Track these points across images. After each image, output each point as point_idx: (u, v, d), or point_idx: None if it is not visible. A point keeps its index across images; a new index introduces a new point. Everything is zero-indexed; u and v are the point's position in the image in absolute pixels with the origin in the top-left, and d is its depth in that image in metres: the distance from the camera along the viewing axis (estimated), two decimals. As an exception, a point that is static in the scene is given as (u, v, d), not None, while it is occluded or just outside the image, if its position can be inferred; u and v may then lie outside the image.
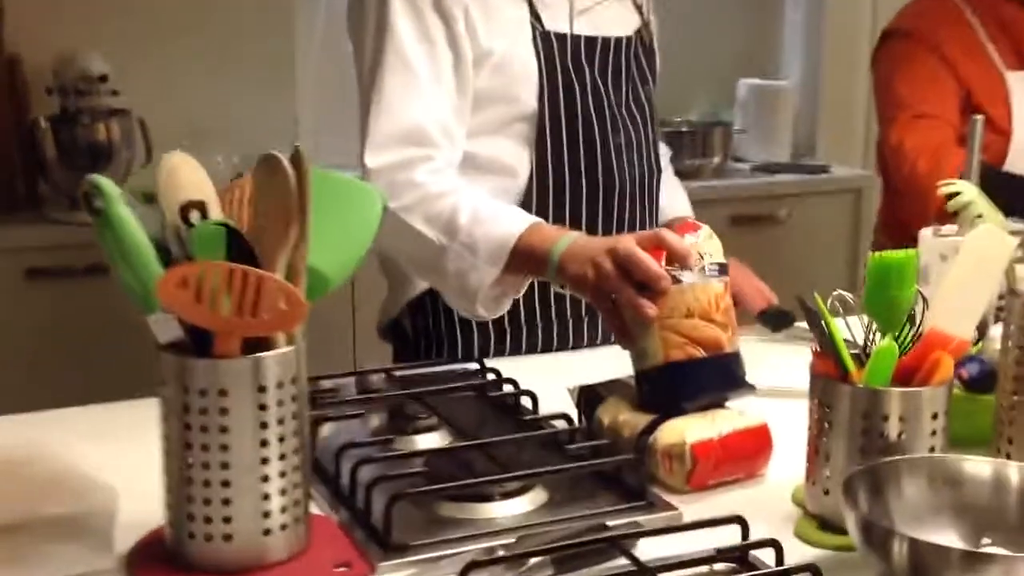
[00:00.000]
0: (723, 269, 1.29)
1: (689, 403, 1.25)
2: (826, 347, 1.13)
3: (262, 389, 0.99)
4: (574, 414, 1.34)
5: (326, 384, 1.43)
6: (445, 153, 1.56)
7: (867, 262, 1.13)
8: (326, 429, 1.32)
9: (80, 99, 2.71)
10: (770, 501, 1.20)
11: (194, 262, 0.98)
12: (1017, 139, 2.23)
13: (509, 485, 1.14)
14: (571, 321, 1.73)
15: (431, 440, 1.30)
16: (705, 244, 1.29)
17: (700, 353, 1.26)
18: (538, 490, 1.16)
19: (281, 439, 1.00)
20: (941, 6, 2.35)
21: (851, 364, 1.12)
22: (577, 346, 1.74)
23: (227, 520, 0.99)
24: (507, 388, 1.42)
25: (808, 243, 3.32)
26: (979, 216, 1.31)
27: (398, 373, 1.48)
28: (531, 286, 1.67)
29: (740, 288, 1.73)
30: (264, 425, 0.99)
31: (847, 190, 3.42)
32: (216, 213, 1.05)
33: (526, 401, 1.38)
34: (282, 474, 1.01)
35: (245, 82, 3.01)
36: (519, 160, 1.65)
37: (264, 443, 0.99)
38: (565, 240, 1.41)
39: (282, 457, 1.00)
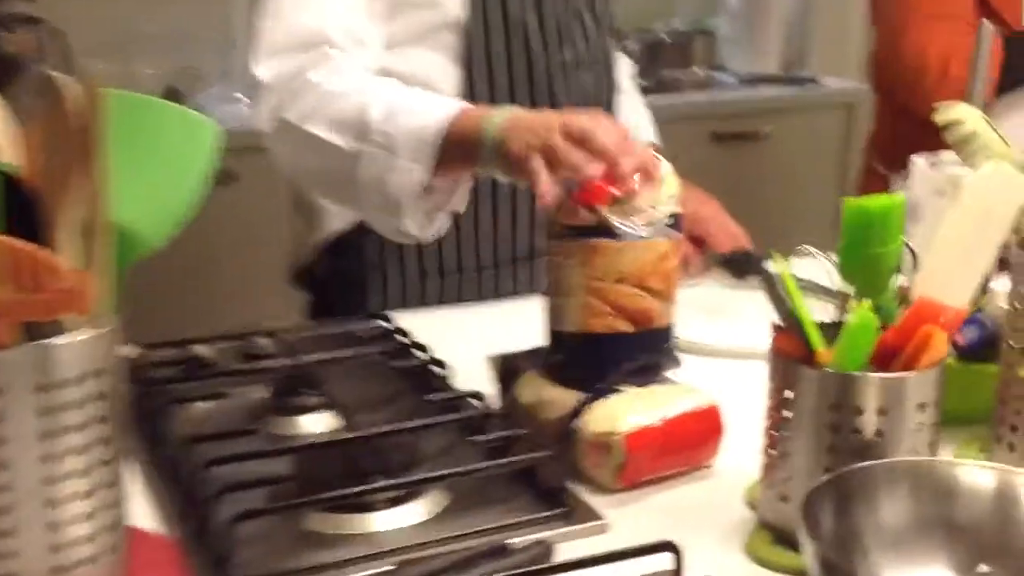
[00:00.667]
0: (676, 223, 1.06)
1: (601, 382, 1.03)
2: (787, 319, 0.91)
3: (46, 388, 0.76)
4: (493, 388, 1.12)
5: (200, 351, 1.20)
6: (351, 57, 1.31)
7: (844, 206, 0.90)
8: (192, 412, 1.10)
9: (-16, 8, 2.44)
10: (718, 501, 0.99)
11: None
12: None
13: (397, 491, 0.93)
14: (510, 267, 1.50)
15: (315, 423, 1.08)
16: (663, 185, 1.06)
17: (624, 327, 1.03)
18: (435, 494, 0.95)
19: (81, 451, 0.78)
20: None
21: (818, 341, 0.89)
22: (516, 293, 1.50)
23: (9, 556, 0.77)
24: (417, 355, 1.19)
25: (794, 162, 3.07)
26: (982, 149, 1.06)
27: (290, 336, 1.24)
28: (459, 225, 1.43)
29: (706, 227, 1.52)
30: (51, 435, 0.76)
31: (838, 104, 3.16)
32: (8, 157, 0.81)
33: (438, 369, 1.16)
34: (88, 494, 0.78)
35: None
36: (445, 77, 1.40)
37: (50, 458, 0.76)
38: (502, 113, 1.16)
39: (84, 474, 0.78)
